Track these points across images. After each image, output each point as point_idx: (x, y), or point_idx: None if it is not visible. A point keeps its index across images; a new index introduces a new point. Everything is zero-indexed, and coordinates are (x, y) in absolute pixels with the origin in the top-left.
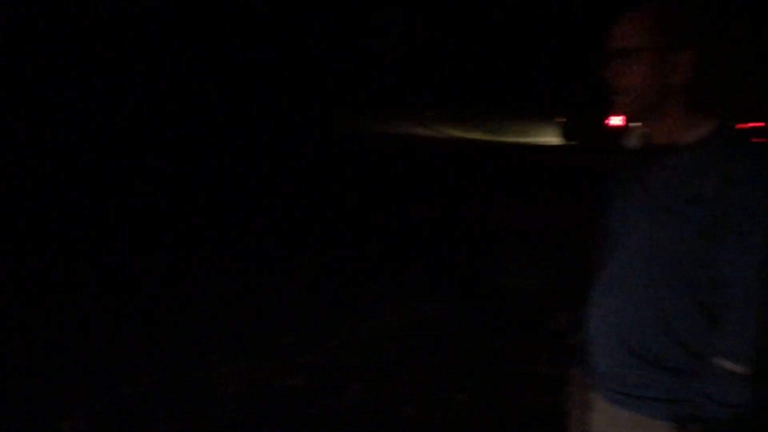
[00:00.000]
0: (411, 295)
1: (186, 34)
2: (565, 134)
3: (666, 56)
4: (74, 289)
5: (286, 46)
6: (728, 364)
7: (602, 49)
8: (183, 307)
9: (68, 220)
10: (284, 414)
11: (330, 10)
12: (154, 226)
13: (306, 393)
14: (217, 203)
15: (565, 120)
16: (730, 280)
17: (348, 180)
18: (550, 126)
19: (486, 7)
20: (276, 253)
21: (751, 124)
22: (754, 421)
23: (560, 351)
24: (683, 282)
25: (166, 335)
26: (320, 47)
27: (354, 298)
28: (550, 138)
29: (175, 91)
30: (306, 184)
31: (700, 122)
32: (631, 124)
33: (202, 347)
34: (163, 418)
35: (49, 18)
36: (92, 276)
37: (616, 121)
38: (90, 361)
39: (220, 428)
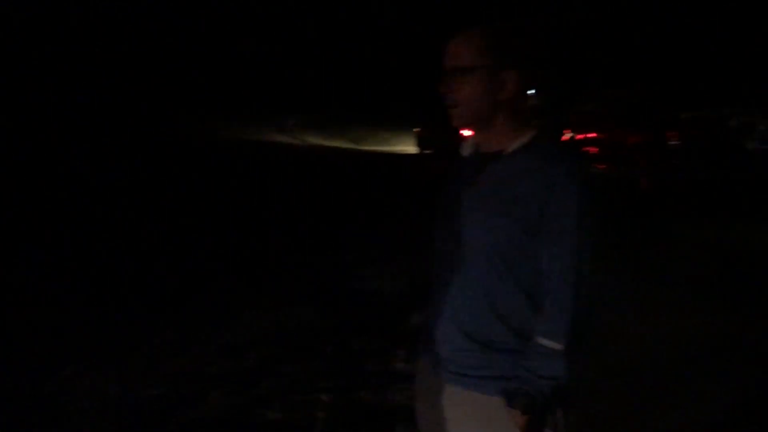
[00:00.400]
0: (272, 300)
1: (21, 34)
2: (421, 143)
3: (495, 75)
4: None
5: (142, 50)
6: (548, 343)
7: (439, 65)
8: (33, 318)
9: None
10: (143, 426)
11: (188, 12)
12: None
13: (166, 403)
14: (69, 211)
15: (421, 130)
16: (549, 271)
17: (206, 187)
18: (409, 135)
19: (348, 17)
20: (131, 260)
21: (586, 135)
22: (571, 390)
23: (416, 348)
24: (511, 273)
25: (17, 348)
26: (178, 52)
27: (214, 306)
28: (409, 147)
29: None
30: (163, 191)
31: (522, 132)
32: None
33: (55, 360)
34: None
35: None
36: None
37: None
38: None
39: None
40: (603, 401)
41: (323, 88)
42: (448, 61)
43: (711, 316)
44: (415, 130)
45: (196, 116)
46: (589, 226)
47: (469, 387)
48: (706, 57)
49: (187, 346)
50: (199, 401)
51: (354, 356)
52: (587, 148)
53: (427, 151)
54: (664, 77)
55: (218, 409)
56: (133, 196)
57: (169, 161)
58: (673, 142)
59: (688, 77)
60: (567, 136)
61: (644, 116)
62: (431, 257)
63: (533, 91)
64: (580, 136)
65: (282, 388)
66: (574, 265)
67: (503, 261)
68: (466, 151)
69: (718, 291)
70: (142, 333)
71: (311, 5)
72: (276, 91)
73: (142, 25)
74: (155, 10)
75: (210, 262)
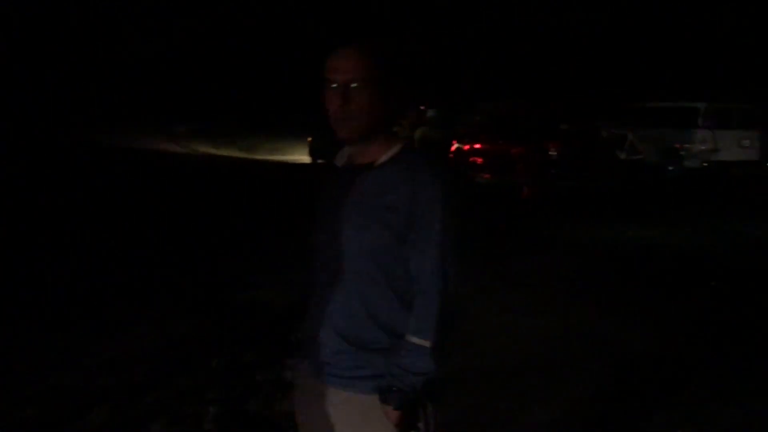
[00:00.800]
0: (160, 313)
1: None
2: (313, 153)
3: (385, 89)
4: None
5: (25, 53)
6: (417, 340)
7: (322, 78)
8: None
9: None
10: None
11: (73, 15)
12: None
13: (45, 421)
14: None
15: (314, 138)
16: (417, 273)
17: (89, 197)
18: (303, 144)
19: (239, 23)
20: (8, 272)
21: (472, 146)
22: (442, 385)
23: (297, 354)
24: (383, 276)
25: None
26: (65, 55)
27: (97, 319)
28: (302, 156)
29: None
30: (43, 201)
31: (392, 144)
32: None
33: None
34: None
35: None
36: None
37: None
38: None
39: None
40: (477, 397)
41: (214, 95)
42: (340, 75)
43: (583, 315)
44: (308, 139)
45: (78, 123)
46: (454, 230)
47: (347, 387)
48: (582, 72)
49: (70, 361)
50: (81, 418)
51: (243, 367)
52: (473, 159)
53: (321, 161)
54: (545, 90)
55: (101, 425)
56: (12, 207)
57: (51, 170)
58: (552, 153)
59: (566, 90)
60: (454, 146)
61: (526, 128)
62: (309, 265)
63: (423, 106)
64: (466, 147)
65: (168, 402)
66: (441, 267)
67: (376, 266)
68: (339, 161)
69: (591, 291)
70: (17, 349)
71: (200, 10)
72: (165, 98)
73: (23, 26)
74: (37, 11)
75: (94, 273)
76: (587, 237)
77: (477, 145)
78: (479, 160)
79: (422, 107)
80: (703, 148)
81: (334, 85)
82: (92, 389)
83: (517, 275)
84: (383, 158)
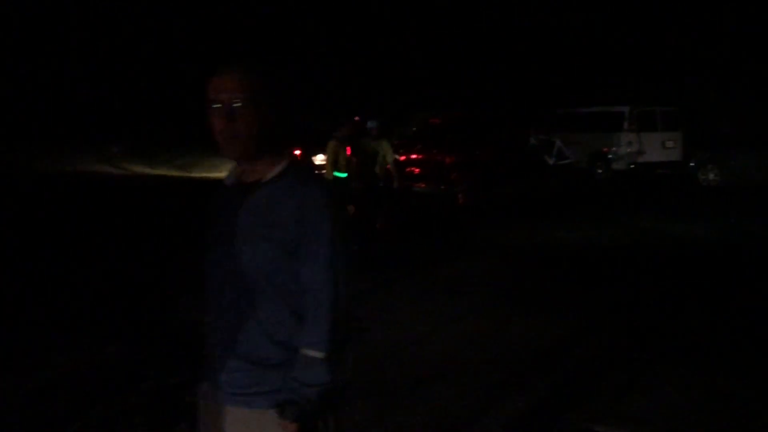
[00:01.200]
0: (85, 337)
1: None
2: None
3: (265, 108)
4: None
5: None
6: (310, 352)
7: (206, 100)
8: None
9: None
10: None
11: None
12: None
13: None
14: None
15: None
16: (308, 287)
17: (19, 221)
18: None
19: (170, 39)
20: None
21: (409, 156)
22: (338, 394)
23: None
24: (276, 292)
25: None
26: None
27: (20, 346)
28: None
29: None
30: None
31: (279, 161)
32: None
33: None
34: None
35: None
36: None
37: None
38: None
39: None
40: (398, 403)
41: (149, 113)
42: (223, 95)
43: (509, 317)
44: None
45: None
46: (342, 242)
47: (247, 405)
48: (514, 81)
49: None
50: None
51: (171, 389)
52: (409, 169)
53: None
54: (477, 101)
55: None
56: None
57: None
58: (484, 161)
59: (500, 99)
60: None
61: (459, 137)
62: (203, 284)
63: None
64: (402, 158)
65: (97, 428)
66: (331, 279)
67: (269, 282)
68: (228, 181)
69: (519, 293)
70: None
71: (129, 25)
72: (97, 116)
73: None
74: None
75: (15, 300)
76: (519, 240)
77: (413, 156)
78: (415, 170)
79: (357, 118)
80: (629, 150)
81: (218, 105)
82: (17, 418)
83: (448, 281)
84: (270, 175)
